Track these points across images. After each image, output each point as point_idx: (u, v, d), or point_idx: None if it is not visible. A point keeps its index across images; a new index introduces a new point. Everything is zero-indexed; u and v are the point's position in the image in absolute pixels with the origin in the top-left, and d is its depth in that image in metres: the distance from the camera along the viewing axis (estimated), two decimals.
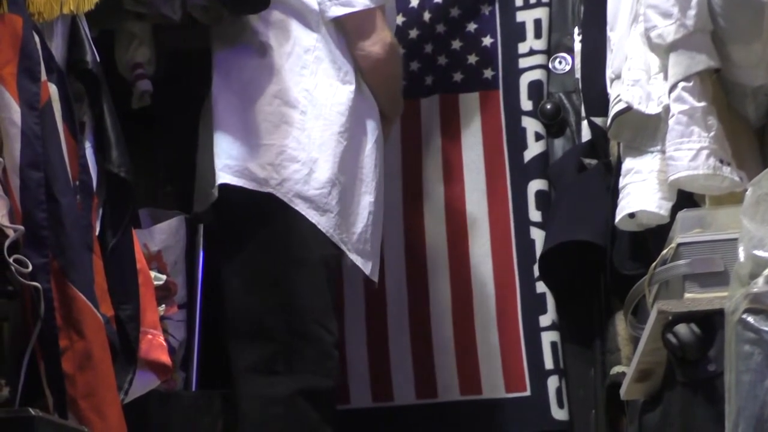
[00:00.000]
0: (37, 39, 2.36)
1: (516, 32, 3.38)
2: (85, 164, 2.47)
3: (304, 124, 2.95)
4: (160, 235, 3.18)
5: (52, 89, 2.37)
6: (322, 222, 2.91)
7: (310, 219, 2.90)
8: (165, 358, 2.71)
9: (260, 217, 2.93)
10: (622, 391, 2.62)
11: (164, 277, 2.99)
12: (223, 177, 2.89)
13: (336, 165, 2.94)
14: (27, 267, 2.16)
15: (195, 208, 3.06)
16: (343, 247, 2.97)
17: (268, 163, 2.91)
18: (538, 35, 3.53)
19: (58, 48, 2.51)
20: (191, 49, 3.18)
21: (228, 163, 2.91)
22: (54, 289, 2.21)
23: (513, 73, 3.55)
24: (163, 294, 2.95)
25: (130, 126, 2.70)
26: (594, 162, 3.28)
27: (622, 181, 2.65)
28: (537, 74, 3.51)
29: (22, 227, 2.19)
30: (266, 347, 2.87)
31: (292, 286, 2.91)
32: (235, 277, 2.94)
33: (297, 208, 2.90)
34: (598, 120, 3.16)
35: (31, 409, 2.07)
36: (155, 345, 2.67)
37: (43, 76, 2.32)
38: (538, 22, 3.52)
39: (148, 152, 3.40)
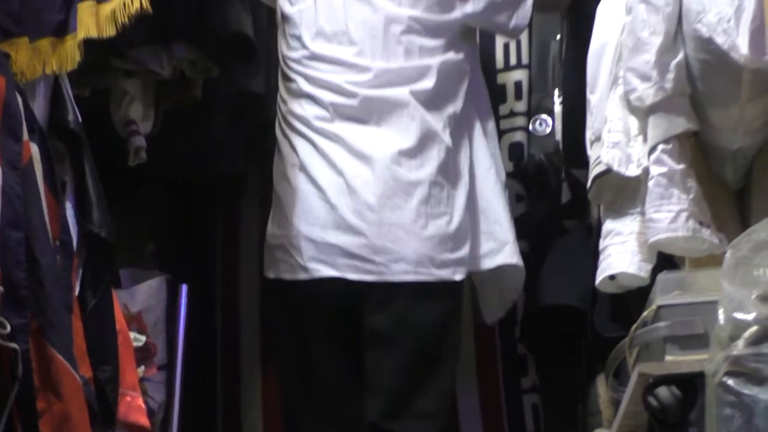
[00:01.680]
0: (19, 99, 2.35)
1: (496, 94, 3.39)
2: (65, 224, 2.46)
3: None
4: (141, 296, 3.17)
5: (34, 149, 2.37)
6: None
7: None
8: (144, 420, 2.69)
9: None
10: None
11: (144, 338, 2.99)
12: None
13: None
14: (5, 328, 2.14)
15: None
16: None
17: None
18: (518, 97, 3.55)
19: (40, 107, 2.52)
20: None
21: None
22: (32, 351, 2.19)
23: None
24: (143, 355, 2.94)
25: (113, 182, 2.71)
26: (574, 223, 3.28)
27: (602, 243, 2.66)
28: (517, 136, 3.53)
29: (1, 287, 2.17)
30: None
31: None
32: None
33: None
34: (579, 173, 3.17)
35: None
36: (134, 407, 2.65)
37: (25, 136, 2.32)
38: (518, 84, 3.55)
39: (130, 209, 3.38)
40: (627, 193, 2.60)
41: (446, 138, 3.00)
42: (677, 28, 2.40)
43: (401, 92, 2.98)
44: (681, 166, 2.41)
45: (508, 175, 3.41)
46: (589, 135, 2.68)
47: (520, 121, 3.53)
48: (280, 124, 3.09)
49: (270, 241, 3.05)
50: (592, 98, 2.65)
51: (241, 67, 3.12)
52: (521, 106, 3.54)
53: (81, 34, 2.51)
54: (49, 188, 2.40)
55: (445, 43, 3.04)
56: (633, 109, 2.50)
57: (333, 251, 2.91)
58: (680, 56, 2.40)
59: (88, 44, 2.51)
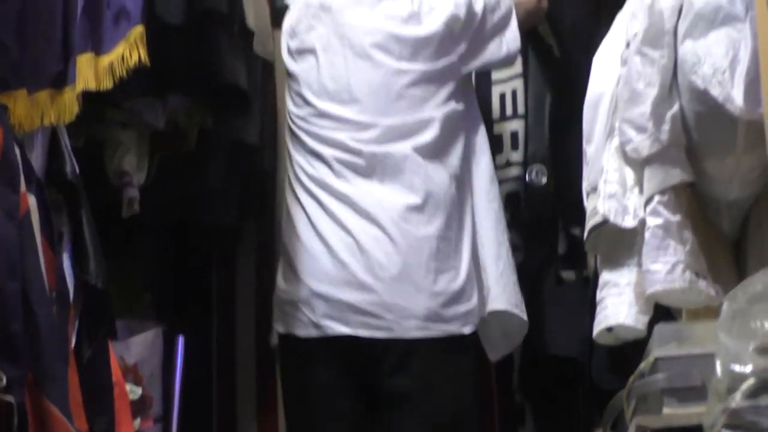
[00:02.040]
0: (17, 150, 2.36)
1: (493, 144, 3.37)
2: (62, 275, 2.46)
3: None
4: (137, 348, 3.16)
5: (31, 200, 2.37)
6: None
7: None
8: None
9: None
10: None
11: (140, 390, 2.97)
12: None
13: None
14: (1, 380, 2.13)
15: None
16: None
17: None
18: (514, 147, 3.54)
19: (38, 158, 2.53)
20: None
21: None
22: (28, 403, 2.18)
23: None
24: (139, 407, 2.93)
25: (109, 232, 2.73)
26: (571, 274, 3.28)
27: (599, 294, 2.65)
28: (514, 186, 3.51)
29: None
30: None
31: None
32: None
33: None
34: (575, 230, 3.16)
35: None
36: None
37: (23, 187, 2.33)
38: (514, 134, 3.54)
39: (125, 259, 3.39)
40: (624, 244, 2.59)
41: (451, 190, 3.01)
42: (672, 79, 2.41)
43: (404, 147, 2.99)
44: (677, 217, 2.41)
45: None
46: (585, 186, 2.67)
47: (515, 171, 3.51)
48: (289, 181, 3.10)
49: (280, 295, 3.04)
50: (589, 149, 2.66)
51: (236, 118, 3.12)
52: (517, 156, 3.53)
53: (80, 86, 2.52)
54: (46, 239, 2.40)
55: (446, 94, 3.05)
56: (629, 160, 2.49)
57: (345, 308, 2.91)
58: (676, 108, 2.41)
59: (85, 96, 2.53)
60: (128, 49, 2.54)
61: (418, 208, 2.96)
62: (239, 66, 2.97)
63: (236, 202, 3.41)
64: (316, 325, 2.93)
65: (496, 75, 3.41)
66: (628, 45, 2.48)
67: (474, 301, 2.97)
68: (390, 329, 2.89)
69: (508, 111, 3.55)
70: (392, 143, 2.99)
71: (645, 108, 2.42)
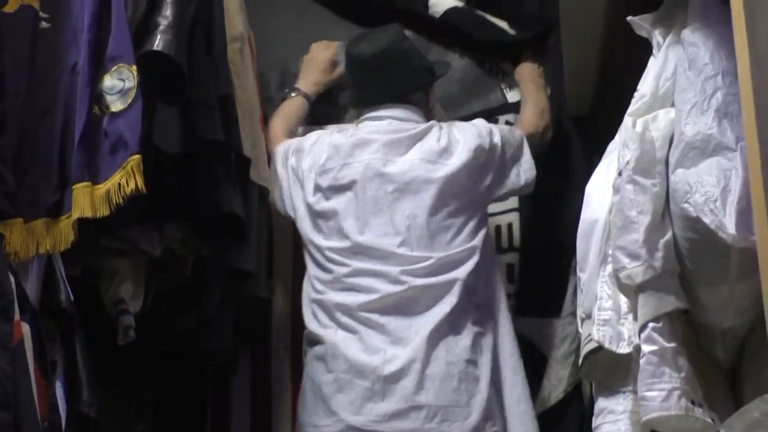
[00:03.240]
0: (12, 278, 2.36)
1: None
2: (54, 404, 2.45)
3: None
4: None
5: (25, 329, 2.37)
6: None
7: None
8: None
9: None
10: None
11: None
12: None
13: None
14: None
15: None
16: None
17: None
18: (510, 280, 3.55)
19: (32, 286, 2.54)
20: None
21: None
22: None
23: None
24: None
25: (106, 360, 2.71)
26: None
27: (595, 422, 2.64)
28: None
29: None
30: None
31: None
32: None
33: None
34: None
35: None
36: None
37: (17, 316, 2.32)
38: (510, 267, 3.57)
39: (119, 388, 3.38)
40: (619, 371, 2.59)
41: (477, 316, 3.07)
42: (665, 207, 2.42)
43: (449, 278, 3.06)
44: (672, 345, 2.40)
45: None
46: (579, 312, 2.68)
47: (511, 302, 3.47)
48: (314, 314, 3.12)
49: (309, 430, 3.04)
50: (582, 276, 2.66)
51: (232, 247, 3.12)
52: (512, 288, 3.54)
53: (75, 214, 2.54)
54: (39, 368, 2.39)
55: (478, 222, 3.16)
56: (623, 287, 2.49)
57: None
58: (669, 235, 2.42)
59: (81, 224, 2.54)
60: (125, 178, 2.56)
61: (448, 332, 3.02)
62: (235, 195, 2.99)
63: (230, 330, 3.38)
64: None
65: (491, 208, 3.44)
66: (620, 173, 2.49)
67: (499, 426, 3.03)
68: None
69: (504, 244, 3.59)
70: (438, 276, 3.05)
71: (638, 235, 2.42)
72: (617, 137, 2.60)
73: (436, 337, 3.00)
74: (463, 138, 3.18)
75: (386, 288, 3.04)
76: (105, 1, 2.74)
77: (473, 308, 3.08)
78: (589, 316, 2.60)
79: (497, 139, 3.21)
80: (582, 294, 2.67)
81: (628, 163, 2.46)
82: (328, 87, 3.60)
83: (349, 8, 3.78)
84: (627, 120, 2.53)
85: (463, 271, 3.06)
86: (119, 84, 2.66)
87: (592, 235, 2.63)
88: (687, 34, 2.43)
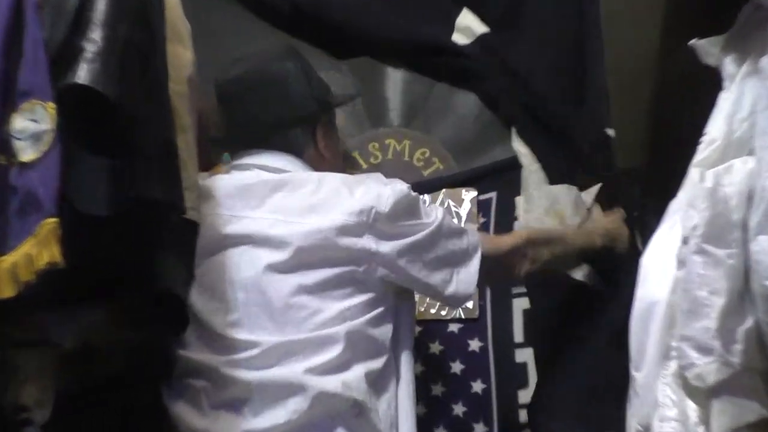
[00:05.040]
0: None
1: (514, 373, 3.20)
2: None
3: None
4: None
5: None
6: None
7: None
8: None
9: None
10: None
11: None
12: None
13: None
14: None
15: None
16: None
17: None
18: None
19: None
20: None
21: None
22: None
23: None
24: None
25: None
26: None
27: None
28: None
29: None
30: None
31: None
32: None
33: None
34: None
35: None
36: None
37: None
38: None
39: None
40: None
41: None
42: (744, 285, 2.21)
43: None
44: None
45: None
46: (634, 424, 2.38)
47: None
48: None
49: None
50: (638, 376, 2.41)
51: (172, 333, 2.76)
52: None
53: None
54: None
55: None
56: (691, 391, 2.25)
57: None
58: (750, 321, 2.20)
59: None
60: (37, 247, 2.31)
61: None
62: (178, 266, 2.63)
63: None
64: None
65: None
66: (685, 241, 2.28)
67: None
68: None
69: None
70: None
71: (710, 322, 2.21)
72: (681, 194, 2.39)
73: None
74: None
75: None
76: (16, 21, 2.42)
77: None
78: (647, 429, 2.33)
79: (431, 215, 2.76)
80: (638, 399, 2.41)
81: (695, 227, 2.24)
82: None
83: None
84: (693, 172, 2.32)
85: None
86: (31, 126, 2.37)
87: (649, 322, 2.37)
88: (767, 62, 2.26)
